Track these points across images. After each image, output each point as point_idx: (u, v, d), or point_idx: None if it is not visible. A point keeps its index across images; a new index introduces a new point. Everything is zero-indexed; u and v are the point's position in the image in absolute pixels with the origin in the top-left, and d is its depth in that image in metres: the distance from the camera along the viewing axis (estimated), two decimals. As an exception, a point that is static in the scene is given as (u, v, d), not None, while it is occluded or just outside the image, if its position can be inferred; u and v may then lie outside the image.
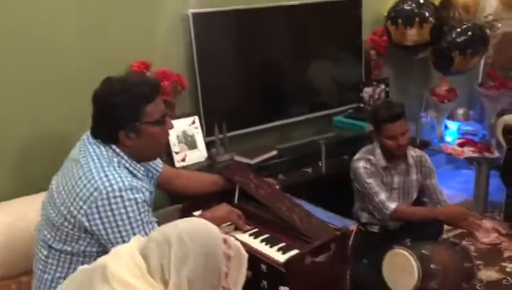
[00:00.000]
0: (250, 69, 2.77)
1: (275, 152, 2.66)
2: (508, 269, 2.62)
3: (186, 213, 1.98)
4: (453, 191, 3.45)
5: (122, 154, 1.56)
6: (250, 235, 1.83)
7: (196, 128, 2.54)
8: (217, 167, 2.40)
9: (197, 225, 1.11)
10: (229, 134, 2.59)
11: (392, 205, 2.35)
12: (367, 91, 3.18)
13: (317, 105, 3.06)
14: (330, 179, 2.64)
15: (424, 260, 2.06)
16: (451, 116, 3.67)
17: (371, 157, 2.45)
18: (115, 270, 1.03)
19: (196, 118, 2.55)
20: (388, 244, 2.29)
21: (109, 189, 1.44)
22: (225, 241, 1.09)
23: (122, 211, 1.45)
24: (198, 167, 2.45)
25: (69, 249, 1.51)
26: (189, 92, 2.58)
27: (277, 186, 2.15)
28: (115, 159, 1.54)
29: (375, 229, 2.51)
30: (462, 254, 2.19)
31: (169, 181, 1.97)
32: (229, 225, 1.87)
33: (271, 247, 1.73)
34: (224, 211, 1.84)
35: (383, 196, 2.37)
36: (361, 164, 2.42)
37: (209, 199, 1.99)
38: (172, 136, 2.46)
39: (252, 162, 2.51)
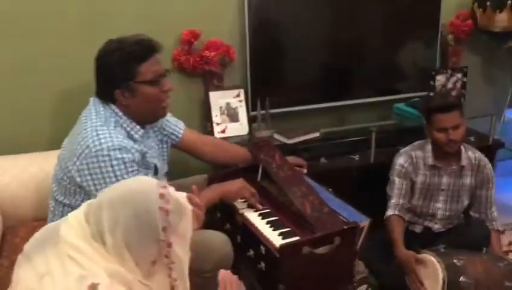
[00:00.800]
0: (305, 46, 2.62)
1: (316, 134, 2.54)
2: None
3: (210, 183, 1.98)
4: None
5: (120, 114, 1.60)
6: (260, 215, 1.79)
7: (240, 101, 2.50)
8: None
9: (129, 185, 1.11)
10: (277, 111, 2.52)
11: (388, 213, 2.19)
12: (439, 79, 2.89)
13: (380, 89, 2.84)
14: (378, 169, 2.45)
15: (453, 271, 1.88)
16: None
17: (418, 153, 2.24)
18: (65, 233, 1.09)
19: (241, 91, 2.51)
20: (426, 247, 2.12)
21: (98, 148, 1.49)
22: (162, 196, 1.06)
23: (109, 169, 1.49)
24: (237, 141, 2.42)
25: (68, 202, 1.60)
26: (240, 64, 2.55)
27: (304, 169, 2.08)
28: (112, 119, 1.58)
29: (418, 229, 2.31)
30: (504, 271, 1.94)
31: (193, 146, 1.99)
32: (244, 201, 1.85)
33: (274, 230, 1.68)
34: (237, 186, 1.82)
35: (394, 200, 2.21)
36: (400, 160, 2.24)
37: (236, 173, 1.96)
38: (215, 107, 2.46)
39: (289, 142, 2.43)
